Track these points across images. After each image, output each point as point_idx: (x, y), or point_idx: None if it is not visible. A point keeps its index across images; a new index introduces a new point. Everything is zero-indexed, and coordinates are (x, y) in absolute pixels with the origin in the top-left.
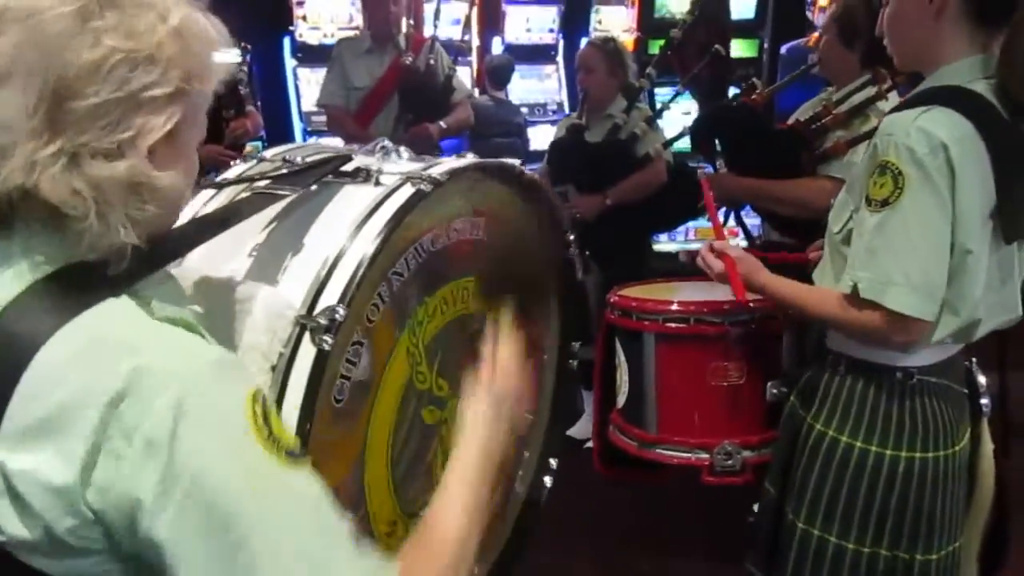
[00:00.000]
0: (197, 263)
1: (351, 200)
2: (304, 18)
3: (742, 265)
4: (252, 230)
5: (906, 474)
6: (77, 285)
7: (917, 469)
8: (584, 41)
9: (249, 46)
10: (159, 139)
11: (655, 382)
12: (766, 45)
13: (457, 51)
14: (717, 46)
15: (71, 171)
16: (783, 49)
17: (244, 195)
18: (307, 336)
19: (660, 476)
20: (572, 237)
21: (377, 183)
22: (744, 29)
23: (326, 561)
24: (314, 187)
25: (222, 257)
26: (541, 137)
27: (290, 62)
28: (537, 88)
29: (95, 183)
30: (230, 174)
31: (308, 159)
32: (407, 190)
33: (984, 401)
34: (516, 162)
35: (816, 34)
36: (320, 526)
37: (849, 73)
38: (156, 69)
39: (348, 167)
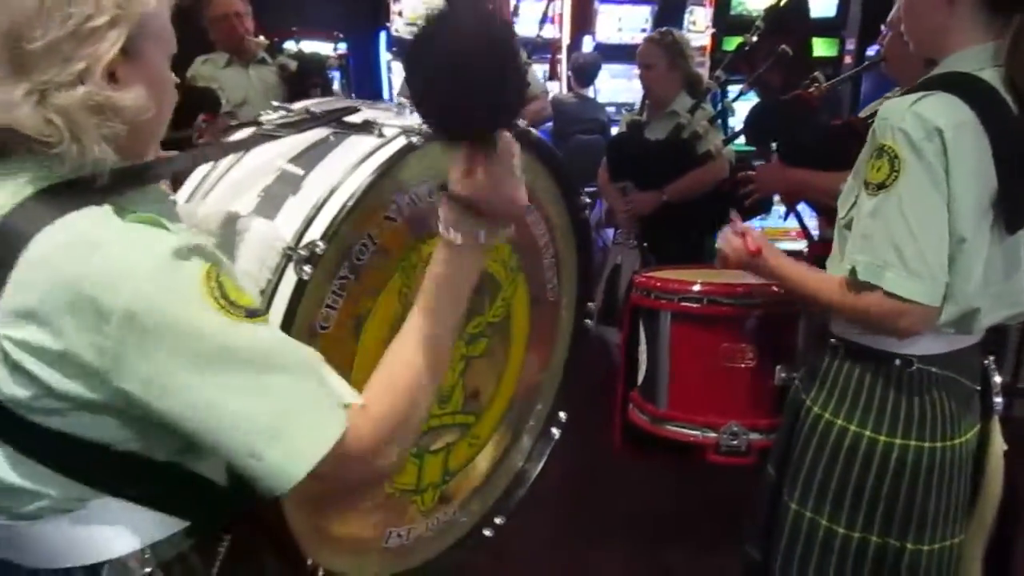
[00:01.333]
0: (213, 198)
1: (352, 148)
2: (400, 14)
3: (760, 244)
4: (265, 172)
5: (899, 461)
6: (65, 195)
7: (911, 457)
8: None
9: (341, 34)
10: (116, 61)
11: (668, 360)
12: (849, 46)
13: (534, 47)
14: (783, 47)
15: (41, 105)
16: (870, 51)
17: (248, 134)
18: (291, 266)
19: (677, 460)
20: (587, 200)
21: (380, 135)
22: (824, 28)
23: (285, 382)
24: (331, 135)
25: (235, 193)
26: None
27: (385, 56)
28: (626, 87)
29: (63, 111)
30: (265, 117)
31: (324, 109)
32: (400, 141)
33: (997, 400)
34: (522, 122)
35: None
36: (279, 359)
37: (914, 71)
38: (90, 1)
39: (357, 119)
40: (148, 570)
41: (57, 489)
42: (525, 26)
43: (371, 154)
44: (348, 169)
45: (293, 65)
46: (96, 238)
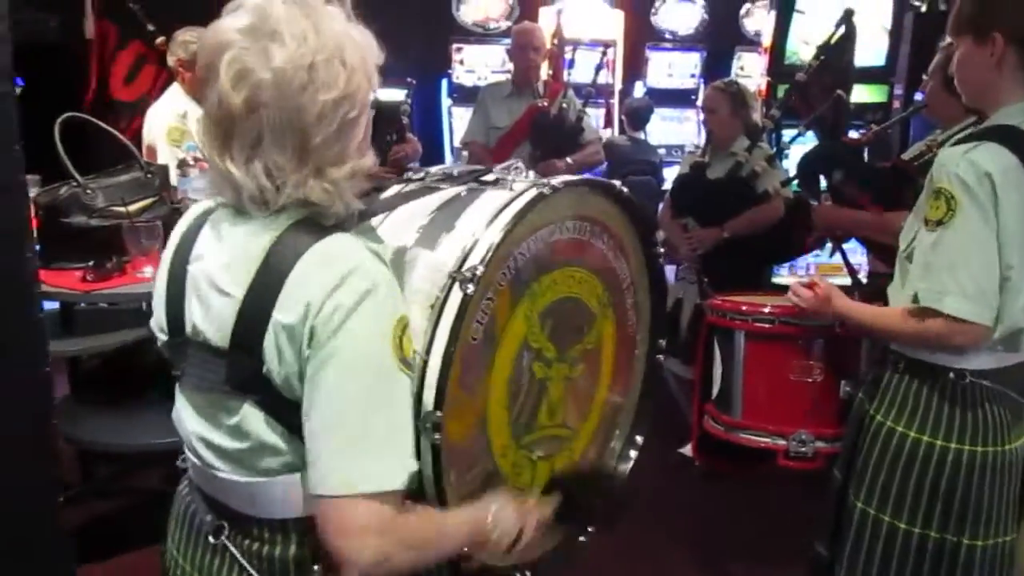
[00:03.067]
0: (385, 236)
1: (491, 200)
2: (461, 62)
3: (830, 294)
4: (420, 216)
5: (954, 463)
6: (318, 226)
7: (965, 460)
8: None
9: (415, 81)
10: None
11: (743, 374)
12: (898, 91)
13: (587, 95)
14: (839, 91)
15: (320, 179)
16: (917, 95)
17: (417, 187)
18: (456, 285)
19: (750, 469)
20: (661, 242)
21: (511, 189)
22: (874, 76)
23: (390, 431)
24: (465, 191)
25: (400, 232)
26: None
27: (446, 101)
28: (676, 130)
29: (334, 182)
30: (413, 176)
31: (461, 172)
32: (532, 192)
33: None
34: (616, 183)
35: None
36: (399, 411)
37: (954, 116)
38: (349, 101)
39: (490, 177)
40: None
41: (297, 449)
42: (581, 74)
43: (510, 202)
44: (493, 214)
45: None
46: (344, 257)
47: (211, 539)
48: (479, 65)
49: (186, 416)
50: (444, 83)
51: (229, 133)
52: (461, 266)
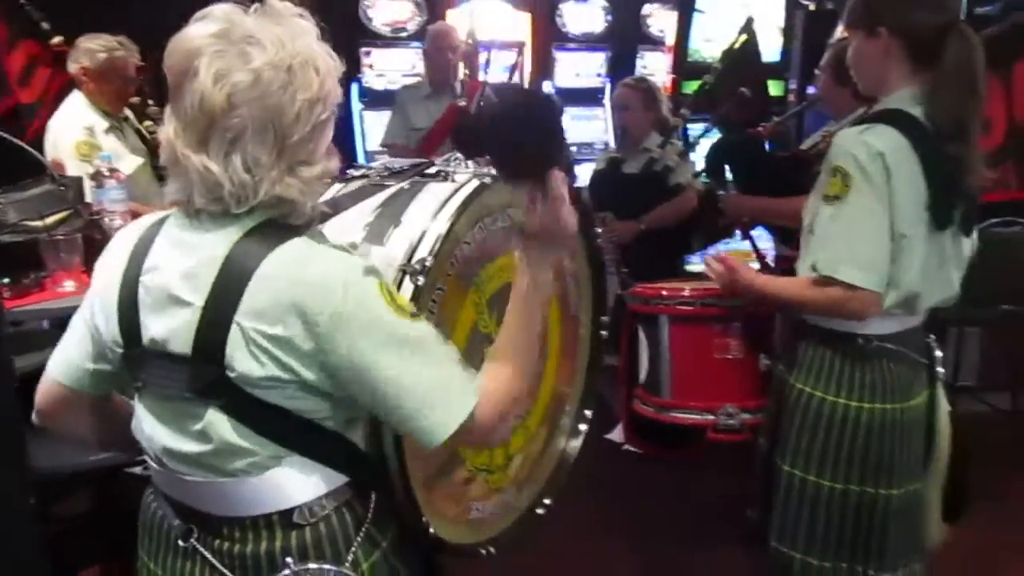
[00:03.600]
0: (333, 235)
1: (434, 192)
2: (371, 67)
3: (737, 266)
4: (367, 214)
5: (867, 421)
6: (276, 230)
7: (876, 417)
8: None
9: None
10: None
11: (669, 356)
12: (792, 86)
13: None
14: (742, 89)
15: (293, 177)
16: (810, 90)
17: (362, 184)
18: (407, 278)
19: (679, 450)
20: (600, 229)
21: (453, 180)
22: (770, 71)
23: (440, 368)
24: (408, 184)
25: (347, 230)
26: (588, 173)
27: (357, 106)
28: (585, 128)
29: (307, 181)
30: (355, 174)
31: (403, 166)
32: (474, 183)
33: (939, 369)
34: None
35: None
36: (436, 351)
37: (845, 107)
38: (322, 103)
39: (432, 170)
40: (327, 512)
41: (264, 448)
42: (496, 77)
43: (453, 194)
44: (438, 207)
45: None
46: (306, 258)
47: (181, 543)
48: (389, 69)
49: (147, 424)
50: (355, 88)
51: (208, 130)
52: (410, 259)
